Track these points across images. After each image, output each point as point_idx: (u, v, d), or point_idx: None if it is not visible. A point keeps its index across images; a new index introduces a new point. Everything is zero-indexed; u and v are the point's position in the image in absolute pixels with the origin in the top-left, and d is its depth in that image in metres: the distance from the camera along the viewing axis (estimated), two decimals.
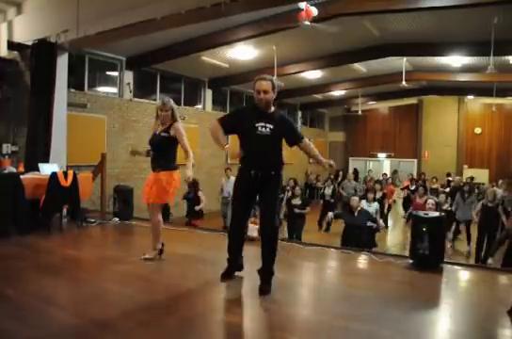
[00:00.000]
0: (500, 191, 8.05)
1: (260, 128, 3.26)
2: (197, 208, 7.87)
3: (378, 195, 9.26)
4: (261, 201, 3.40)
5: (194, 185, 7.77)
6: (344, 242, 5.97)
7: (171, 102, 4.04)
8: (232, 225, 3.55)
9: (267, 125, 3.26)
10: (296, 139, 3.44)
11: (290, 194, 8.17)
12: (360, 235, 5.95)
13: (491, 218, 7.00)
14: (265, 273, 3.34)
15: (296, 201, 7.68)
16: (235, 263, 3.56)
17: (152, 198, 3.97)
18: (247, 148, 3.34)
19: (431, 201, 5.92)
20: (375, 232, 6.34)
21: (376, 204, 7.07)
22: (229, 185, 9.02)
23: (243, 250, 3.58)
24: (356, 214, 6.16)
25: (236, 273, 3.62)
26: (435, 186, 11.47)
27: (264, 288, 3.25)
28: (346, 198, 10.73)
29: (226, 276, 3.52)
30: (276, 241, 3.39)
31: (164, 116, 3.98)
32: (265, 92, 3.23)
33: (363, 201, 6.94)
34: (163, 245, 4.17)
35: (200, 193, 8.00)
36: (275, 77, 9.65)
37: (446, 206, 7.78)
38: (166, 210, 7.23)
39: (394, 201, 11.48)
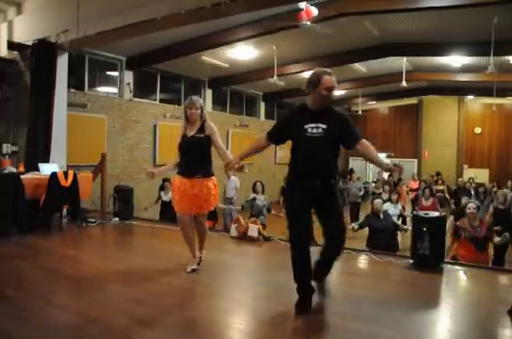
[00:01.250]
0: None
1: (310, 130, 2.87)
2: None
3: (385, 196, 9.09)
4: (324, 213, 3.01)
5: None
6: (371, 246, 5.71)
7: (200, 100, 3.78)
8: (298, 247, 2.98)
9: (319, 126, 2.86)
10: (353, 142, 2.90)
11: None
12: (387, 238, 5.79)
13: (503, 221, 6.60)
14: (324, 273, 3.25)
15: None
16: (309, 288, 2.99)
17: (206, 208, 3.73)
18: (297, 154, 2.98)
19: (472, 206, 5.06)
20: (397, 234, 6.25)
21: (399, 206, 6.92)
22: (230, 185, 8.97)
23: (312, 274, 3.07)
24: (382, 217, 5.98)
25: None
26: (441, 188, 11.37)
27: (326, 287, 3.22)
28: (351, 198, 10.69)
29: (304, 306, 2.89)
30: (340, 255, 3.18)
31: (194, 114, 3.66)
32: (333, 90, 2.89)
33: (388, 203, 6.82)
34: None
35: None
36: (275, 77, 9.70)
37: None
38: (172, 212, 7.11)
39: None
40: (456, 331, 2.72)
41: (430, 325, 2.83)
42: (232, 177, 8.99)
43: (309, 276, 2.99)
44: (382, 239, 5.70)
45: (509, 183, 11.75)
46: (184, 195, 3.61)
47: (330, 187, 2.93)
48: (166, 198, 7.18)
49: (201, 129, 3.67)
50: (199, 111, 3.68)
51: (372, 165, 18.20)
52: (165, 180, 7.24)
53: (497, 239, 4.87)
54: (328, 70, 2.92)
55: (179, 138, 3.77)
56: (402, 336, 2.58)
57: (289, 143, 3.09)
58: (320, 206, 2.98)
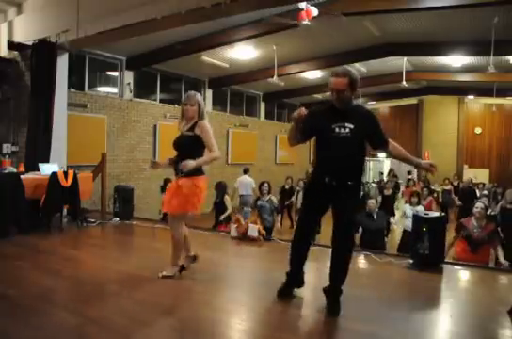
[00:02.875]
0: None
1: (337, 129, 2.82)
2: (221, 218, 7.06)
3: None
4: (334, 213, 2.93)
5: (221, 189, 7.25)
6: (363, 245, 5.62)
7: (198, 96, 3.50)
8: (297, 235, 3.08)
9: (346, 125, 2.80)
10: (379, 143, 2.94)
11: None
12: (377, 238, 5.77)
13: (511, 220, 6.20)
14: (331, 290, 2.93)
15: None
16: (296, 277, 3.14)
17: (171, 208, 3.43)
18: (322, 152, 2.94)
19: (480, 205, 4.73)
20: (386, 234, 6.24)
21: (420, 208, 6.61)
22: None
23: (304, 264, 3.15)
24: (375, 217, 5.92)
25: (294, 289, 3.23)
26: (447, 188, 11.28)
27: (332, 307, 2.84)
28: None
29: (284, 292, 3.11)
30: (345, 258, 2.94)
31: (188, 111, 3.42)
32: (339, 92, 2.78)
33: (407, 206, 6.72)
34: (194, 258, 3.73)
35: (226, 198, 7.26)
36: (275, 77, 9.70)
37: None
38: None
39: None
40: (456, 331, 2.72)
41: (430, 325, 2.83)
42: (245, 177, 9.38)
43: (301, 265, 3.11)
44: (372, 239, 5.69)
45: None
46: (167, 193, 3.56)
47: (347, 188, 2.83)
48: None
49: (193, 127, 3.42)
50: (194, 108, 3.43)
51: (371, 165, 18.08)
52: (166, 180, 7.23)
53: (500, 254, 4.52)
54: (340, 70, 2.84)
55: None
56: (402, 336, 2.58)
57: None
58: (334, 204, 2.91)
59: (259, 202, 6.86)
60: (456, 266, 4.19)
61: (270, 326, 2.70)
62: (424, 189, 8.24)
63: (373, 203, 6.08)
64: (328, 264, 4.32)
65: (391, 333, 2.60)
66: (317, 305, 3.16)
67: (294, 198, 9.40)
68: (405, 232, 6.64)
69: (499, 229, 5.07)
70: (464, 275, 4.16)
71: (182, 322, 2.74)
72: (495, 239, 4.59)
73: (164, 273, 3.51)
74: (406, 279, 3.89)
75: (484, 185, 11.60)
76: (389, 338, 2.56)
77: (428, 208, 6.98)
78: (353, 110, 2.87)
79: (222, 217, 7.08)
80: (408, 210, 6.53)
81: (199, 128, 3.39)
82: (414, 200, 6.85)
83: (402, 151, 3.02)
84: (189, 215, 3.56)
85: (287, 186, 9.94)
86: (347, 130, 2.80)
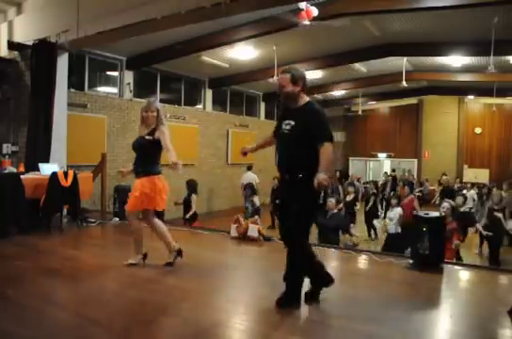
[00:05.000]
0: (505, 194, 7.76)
1: (283, 126, 2.96)
2: (186, 216, 7.15)
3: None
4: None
5: (190, 187, 7.29)
6: (320, 241, 5.95)
7: (157, 102, 3.86)
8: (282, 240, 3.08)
9: (290, 122, 2.92)
10: (315, 140, 2.81)
11: None
12: (332, 236, 6.15)
13: (497, 222, 6.66)
14: (287, 284, 2.98)
15: None
16: (286, 281, 2.98)
17: (134, 206, 3.76)
18: (276, 148, 3.06)
19: (446, 205, 5.18)
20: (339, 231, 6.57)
21: (398, 210, 6.89)
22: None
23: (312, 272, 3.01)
24: (328, 216, 6.23)
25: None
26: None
27: (280, 297, 2.93)
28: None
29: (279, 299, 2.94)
30: (295, 256, 2.94)
31: (149, 117, 3.74)
32: (282, 87, 2.93)
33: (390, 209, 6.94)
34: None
35: (193, 197, 7.24)
36: (275, 77, 9.72)
37: (464, 208, 7.71)
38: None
39: None
40: (456, 331, 2.72)
41: (430, 325, 2.83)
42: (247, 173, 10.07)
43: (287, 270, 2.99)
44: (326, 236, 6.06)
45: (504, 185, 11.63)
46: (130, 194, 3.85)
47: (299, 181, 2.83)
48: None
49: (153, 132, 3.73)
50: (154, 114, 3.73)
51: (371, 165, 18.13)
52: None
53: (456, 243, 4.91)
54: (285, 68, 3.00)
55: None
56: (402, 336, 2.58)
57: None
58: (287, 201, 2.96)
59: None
60: (456, 266, 4.20)
61: (270, 326, 2.70)
62: (406, 187, 8.23)
63: (331, 202, 6.29)
64: (328, 264, 4.31)
65: (391, 333, 2.60)
66: (317, 305, 3.16)
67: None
68: (388, 235, 6.84)
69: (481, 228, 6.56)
70: (464, 275, 4.16)
71: (182, 322, 2.74)
72: (453, 237, 4.85)
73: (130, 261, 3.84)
74: (406, 279, 3.89)
75: (484, 185, 11.61)
76: (388, 338, 2.56)
77: (408, 207, 6.98)
78: (302, 107, 2.95)
79: (187, 215, 7.17)
80: (389, 213, 6.64)
81: (158, 132, 3.69)
82: (393, 201, 7.09)
83: (322, 161, 2.75)
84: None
85: (275, 187, 10.10)
86: (289, 127, 2.92)
